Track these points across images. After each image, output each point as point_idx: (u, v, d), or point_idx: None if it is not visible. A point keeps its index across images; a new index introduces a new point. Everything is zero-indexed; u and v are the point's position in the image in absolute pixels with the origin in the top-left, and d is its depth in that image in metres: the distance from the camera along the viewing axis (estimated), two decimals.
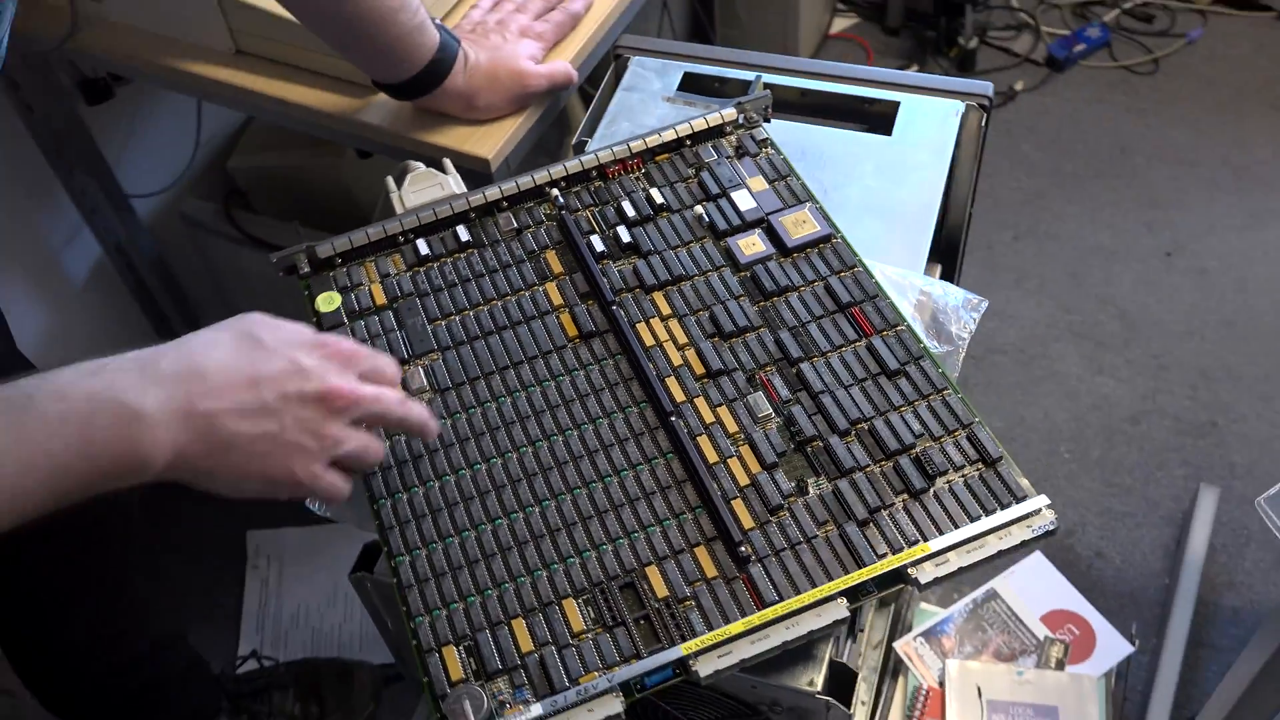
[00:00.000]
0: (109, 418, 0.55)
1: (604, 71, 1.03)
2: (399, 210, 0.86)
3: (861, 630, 0.86)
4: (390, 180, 0.89)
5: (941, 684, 1.28)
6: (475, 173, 0.98)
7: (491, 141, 0.98)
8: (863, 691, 1.31)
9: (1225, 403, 1.73)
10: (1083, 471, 1.65)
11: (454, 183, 0.88)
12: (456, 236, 0.85)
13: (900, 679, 1.30)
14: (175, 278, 1.63)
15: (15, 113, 1.41)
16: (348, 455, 0.64)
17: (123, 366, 0.58)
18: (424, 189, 0.88)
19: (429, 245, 0.84)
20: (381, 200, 0.91)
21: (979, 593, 1.37)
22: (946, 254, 1.08)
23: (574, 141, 0.97)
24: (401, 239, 0.85)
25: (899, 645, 1.32)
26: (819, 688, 0.66)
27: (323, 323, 0.81)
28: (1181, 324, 1.85)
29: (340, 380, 0.63)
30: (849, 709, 0.65)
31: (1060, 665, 1.30)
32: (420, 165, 0.89)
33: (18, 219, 1.48)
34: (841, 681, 0.66)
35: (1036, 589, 1.37)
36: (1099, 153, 2.15)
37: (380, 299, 0.82)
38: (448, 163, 0.90)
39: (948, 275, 1.09)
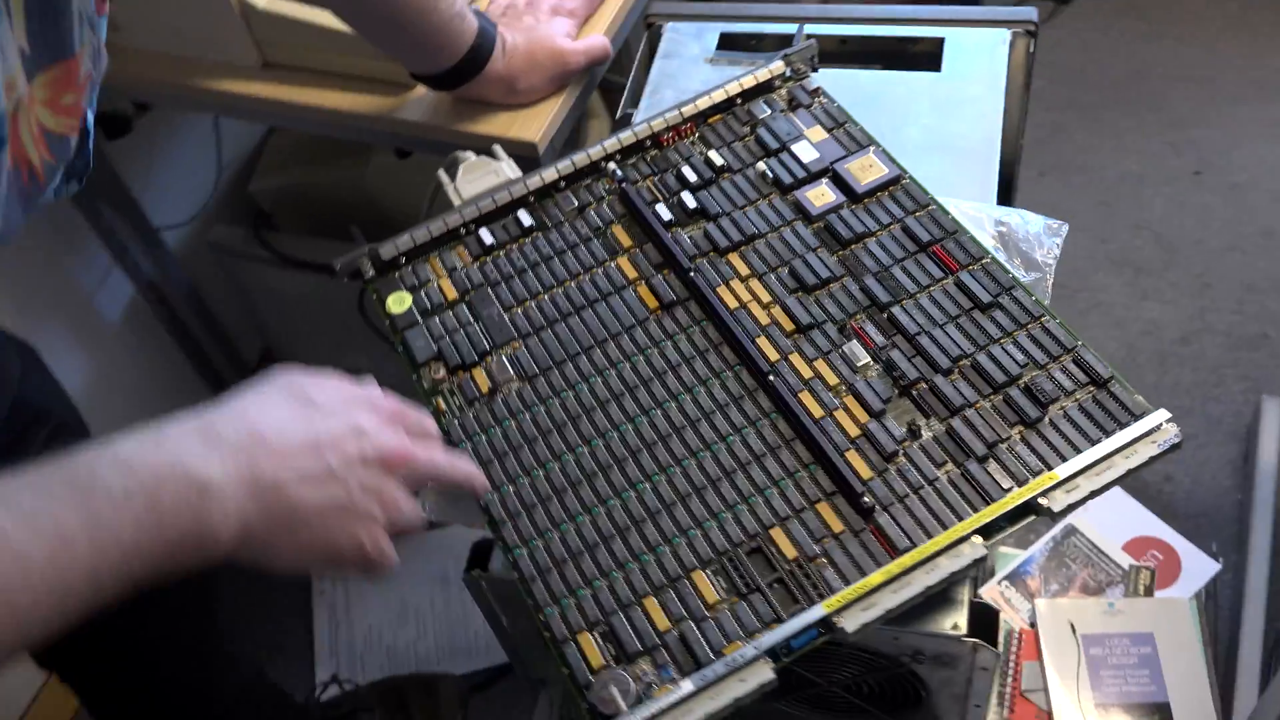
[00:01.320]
0: (177, 489, 0.52)
1: (637, 41, 1.01)
2: (455, 202, 0.85)
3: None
4: (442, 173, 0.87)
5: (1033, 624, 1.26)
6: (523, 158, 0.97)
7: (536, 125, 0.97)
8: None
9: (1275, 312, 1.71)
10: None
11: (508, 168, 0.87)
12: (519, 222, 0.83)
13: None
14: (209, 308, 1.61)
15: None
16: (400, 519, 0.61)
17: (184, 433, 0.55)
18: (478, 178, 0.86)
19: (492, 234, 0.83)
20: (432, 194, 0.89)
21: (1057, 530, 1.36)
22: (1001, 188, 1.07)
23: (619, 115, 0.96)
24: (463, 230, 0.83)
25: (985, 592, 1.31)
26: (964, 630, 0.64)
27: (396, 324, 0.80)
28: (1220, 240, 1.82)
29: (396, 439, 0.61)
30: (996, 648, 0.63)
31: (1149, 591, 1.29)
32: (471, 154, 0.88)
33: (50, 266, 1.47)
34: (984, 622, 0.65)
35: (1114, 519, 1.35)
36: (1114, 80, 2.12)
37: (451, 294, 0.80)
38: (499, 149, 0.88)
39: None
